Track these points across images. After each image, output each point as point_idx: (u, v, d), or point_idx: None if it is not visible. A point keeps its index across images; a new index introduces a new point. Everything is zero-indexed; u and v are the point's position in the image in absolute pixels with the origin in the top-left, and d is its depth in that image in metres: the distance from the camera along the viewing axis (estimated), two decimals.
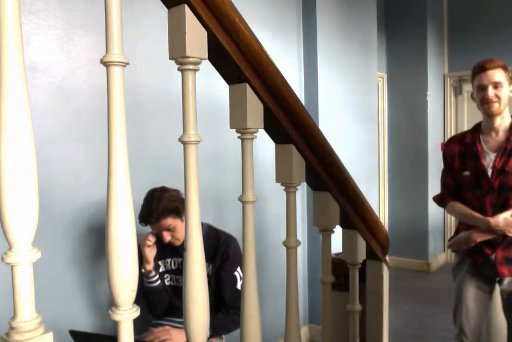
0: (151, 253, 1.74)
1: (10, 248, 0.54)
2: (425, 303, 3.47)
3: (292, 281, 1.02)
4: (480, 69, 1.73)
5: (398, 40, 4.54)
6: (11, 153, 0.52)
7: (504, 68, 1.73)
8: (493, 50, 4.19)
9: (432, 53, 4.45)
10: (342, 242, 1.27)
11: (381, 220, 3.56)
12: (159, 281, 1.79)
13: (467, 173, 1.82)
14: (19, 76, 0.53)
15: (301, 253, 2.91)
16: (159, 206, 1.63)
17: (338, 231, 1.24)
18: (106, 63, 0.61)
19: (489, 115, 1.76)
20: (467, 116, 4.63)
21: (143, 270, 1.75)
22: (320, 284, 1.20)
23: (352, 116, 3.21)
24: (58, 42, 1.66)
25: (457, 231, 1.96)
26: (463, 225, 1.91)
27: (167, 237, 1.70)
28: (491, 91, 1.71)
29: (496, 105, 1.72)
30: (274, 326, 2.40)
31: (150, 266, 1.75)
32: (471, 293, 1.85)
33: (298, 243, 1.02)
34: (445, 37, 4.68)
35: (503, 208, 1.74)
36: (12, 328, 0.55)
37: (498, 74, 1.71)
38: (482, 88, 1.74)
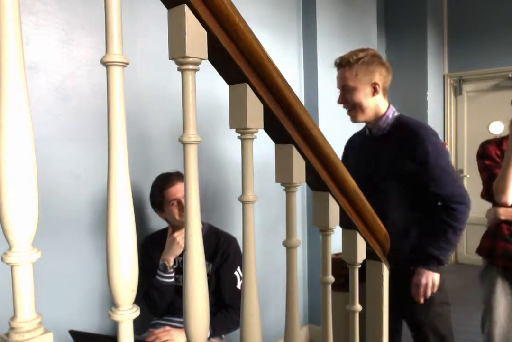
0: (181, 248, 1.74)
1: (10, 248, 0.54)
2: None
3: (292, 281, 1.02)
4: None
5: (398, 40, 4.53)
6: (11, 153, 0.52)
7: None
8: (493, 50, 4.19)
9: (432, 53, 4.45)
10: (342, 242, 1.27)
11: None
12: (173, 279, 1.78)
13: None
14: (19, 76, 0.53)
15: (301, 253, 2.91)
16: (179, 174, 1.77)
17: (338, 231, 1.24)
18: (106, 63, 0.61)
19: None
20: (467, 117, 4.62)
21: (166, 263, 1.74)
22: (320, 284, 1.20)
23: None
24: (58, 42, 1.66)
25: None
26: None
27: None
28: None
29: None
30: (274, 326, 2.40)
31: (172, 261, 1.75)
32: (501, 298, 1.84)
33: (298, 243, 1.02)
34: (445, 37, 4.68)
35: None
36: (12, 328, 0.54)
37: None
38: None
